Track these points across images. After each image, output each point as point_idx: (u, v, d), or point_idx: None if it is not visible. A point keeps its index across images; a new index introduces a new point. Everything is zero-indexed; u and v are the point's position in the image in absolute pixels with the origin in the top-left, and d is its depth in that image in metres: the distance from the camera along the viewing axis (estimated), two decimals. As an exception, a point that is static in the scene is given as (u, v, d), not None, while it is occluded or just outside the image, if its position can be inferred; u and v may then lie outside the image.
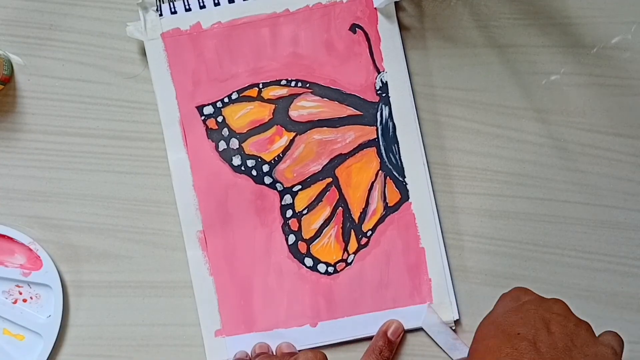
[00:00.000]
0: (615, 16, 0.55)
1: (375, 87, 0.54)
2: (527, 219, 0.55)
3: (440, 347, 0.53)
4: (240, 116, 0.54)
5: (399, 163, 0.54)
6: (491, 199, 0.55)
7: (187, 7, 0.54)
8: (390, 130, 0.54)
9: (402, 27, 0.54)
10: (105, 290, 0.54)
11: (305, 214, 0.54)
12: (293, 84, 0.54)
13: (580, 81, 0.55)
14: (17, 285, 0.54)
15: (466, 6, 0.55)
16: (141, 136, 0.55)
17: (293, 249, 0.54)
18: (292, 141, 0.54)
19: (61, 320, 0.53)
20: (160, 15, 0.54)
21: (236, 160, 0.54)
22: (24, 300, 0.54)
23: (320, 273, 0.54)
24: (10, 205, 0.54)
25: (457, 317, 0.54)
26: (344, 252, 0.54)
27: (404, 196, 0.54)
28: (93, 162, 0.54)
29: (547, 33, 0.55)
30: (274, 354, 0.53)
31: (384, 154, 0.54)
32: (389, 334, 0.53)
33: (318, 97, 0.54)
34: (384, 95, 0.54)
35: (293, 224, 0.54)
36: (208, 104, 0.54)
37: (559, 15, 0.55)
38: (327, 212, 0.54)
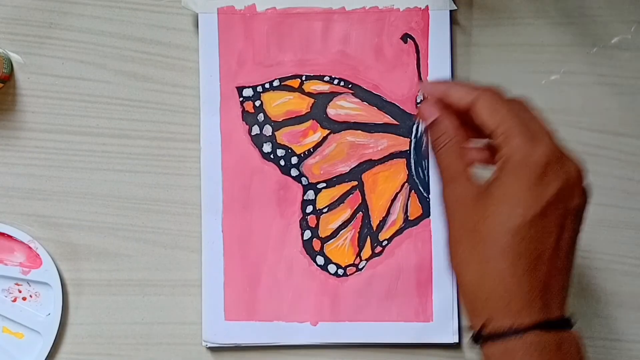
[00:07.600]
0: (615, 16, 0.55)
1: (416, 100, 0.54)
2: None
3: None
4: (278, 104, 0.54)
5: (427, 179, 0.54)
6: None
7: None
8: (424, 146, 0.54)
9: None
10: (105, 289, 0.54)
11: (325, 212, 0.54)
12: (336, 82, 0.54)
13: (580, 81, 0.55)
14: (17, 284, 0.53)
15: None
16: (141, 134, 0.54)
17: (307, 244, 0.54)
18: (325, 138, 0.54)
19: (60, 319, 0.53)
20: None
21: (267, 147, 0.54)
22: (24, 299, 0.54)
23: (330, 273, 0.54)
24: (9, 203, 0.54)
25: (457, 341, 0.53)
26: (356, 257, 0.54)
27: (426, 212, 0.54)
28: (93, 161, 0.54)
29: (547, 32, 0.55)
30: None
31: (413, 168, 0.54)
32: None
33: (358, 100, 0.54)
34: None
35: (311, 220, 0.54)
36: (248, 87, 0.54)
37: (559, 15, 0.55)
38: (347, 214, 0.54)
